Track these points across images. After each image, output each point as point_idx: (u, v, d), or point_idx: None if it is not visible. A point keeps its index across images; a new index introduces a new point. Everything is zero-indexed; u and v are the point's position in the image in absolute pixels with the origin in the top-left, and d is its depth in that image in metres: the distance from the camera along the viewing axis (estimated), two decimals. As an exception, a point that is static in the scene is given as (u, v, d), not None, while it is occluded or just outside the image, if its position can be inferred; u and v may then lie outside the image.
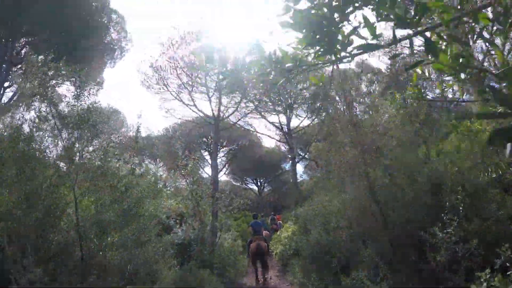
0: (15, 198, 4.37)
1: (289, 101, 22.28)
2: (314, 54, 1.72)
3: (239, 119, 20.53)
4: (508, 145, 1.37)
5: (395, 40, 1.75)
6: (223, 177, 31.95)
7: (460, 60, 1.78)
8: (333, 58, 1.75)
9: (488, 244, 3.79)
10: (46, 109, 4.82)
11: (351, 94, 5.87)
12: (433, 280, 3.97)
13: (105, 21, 16.37)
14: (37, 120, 4.94)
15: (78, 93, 4.86)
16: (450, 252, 3.80)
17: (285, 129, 23.26)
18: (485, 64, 10.11)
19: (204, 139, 25.33)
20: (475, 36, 1.95)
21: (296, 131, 23.63)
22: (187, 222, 10.54)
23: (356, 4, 1.68)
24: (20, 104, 5.48)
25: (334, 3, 1.63)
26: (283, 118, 23.38)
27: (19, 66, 15.57)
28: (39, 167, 4.57)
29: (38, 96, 4.82)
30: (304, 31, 1.65)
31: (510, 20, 1.72)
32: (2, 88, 15.05)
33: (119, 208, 4.50)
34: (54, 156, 5.00)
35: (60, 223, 4.45)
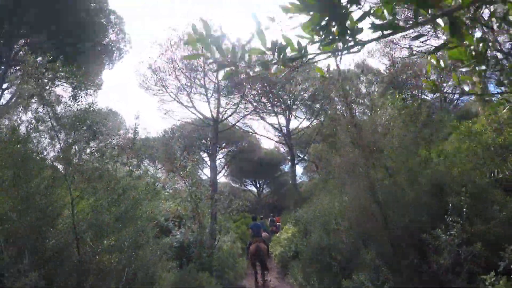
0: (12, 200, 4.31)
1: (288, 102, 22.25)
2: (320, 42, 1.60)
3: (238, 121, 20.54)
4: None
5: (416, 21, 1.62)
6: (222, 178, 31.93)
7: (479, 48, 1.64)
8: (341, 46, 1.62)
9: (491, 246, 3.74)
10: (43, 110, 4.75)
11: (352, 94, 5.82)
12: (435, 282, 3.91)
13: (104, 22, 16.32)
14: (33, 121, 4.88)
15: (75, 94, 4.80)
16: (453, 254, 3.74)
17: (284, 130, 23.22)
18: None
19: (203, 140, 25.28)
20: (498, 20, 1.78)
21: (295, 133, 23.59)
22: (186, 224, 10.47)
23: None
24: (18, 105, 5.43)
25: None
26: (282, 120, 23.36)
27: (17, 67, 15.50)
28: (35, 169, 4.51)
29: (35, 97, 4.76)
30: (311, 13, 1.49)
31: None
32: (1, 90, 14.98)
33: (116, 210, 4.43)
34: (51, 157, 4.94)
35: (57, 226, 4.39)
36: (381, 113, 5.86)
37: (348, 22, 1.55)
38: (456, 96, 20.21)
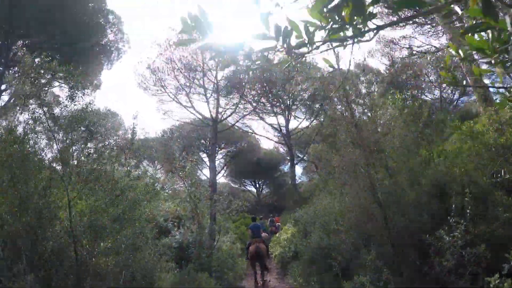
0: (9, 201, 4.25)
1: (288, 102, 22.22)
2: (328, 29, 1.46)
3: (237, 121, 20.52)
4: None
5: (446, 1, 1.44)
6: (221, 179, 31.89)
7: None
8: (352, 33, 1.46)
9: (494, 247, 3.69)
10: (39, 110, 4.70)
11: (352, 94, 5.78)
12: (438, 284, 3.86)
13: (102, 22, 16.25)
14: (30, 122, 4.82)
15: (72, 94, 4.74)
16: (456, 255, 3.69)
17: (284, 130, 23.20)
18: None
19: (202, 141, 25.23)
20: None
21: (294, 133, 23.56)
22: (185, 225, 10.43)
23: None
24: (16, 106, 5.37)
25: None
26: (281, 120, 23.34)
27: (16, 68, 15.42)
28: (33, 170, 4.46)
29: (31, 97, 4.70)
30: None
31: None
32: (-1, 91, 14.92)
33: (114, 211, 4.38)
34: (49, 158, 4.89)
35: (55, 227, 4.33)
36: (382, 113, 5.82)
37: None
38: (456, 96, 20.21)
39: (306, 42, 1.51)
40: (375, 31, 1.53)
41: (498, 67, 1.66)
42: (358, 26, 1.47)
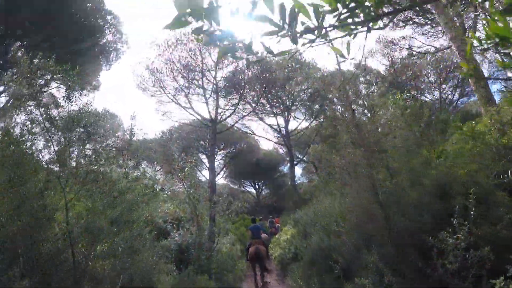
0: (6, 203, 4.19)
1: (287, 103, 22.20)
2: (339, 13, 1.32)
3: (237, 121, 20.49)
4: None
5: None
6: (220, 180, 31.89)
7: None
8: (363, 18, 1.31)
9: (498, 249, 3.64)
10: (35, 111, 4.63)
11: (354, 93, 5.73)
12: (441, 286, 3.81)
13: (100, 23, 16.19)
14: (27, 123, 4.75)
15: (69, 94, 4.68)
16: (459, 257, 3.64)
17: (283, 131, 23.17)
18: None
19: (202, 142, 25.19)
20: None
21: (294, 133, 23.54)
22: (185, 227, 10.36)
23: None
24: (14, 107, 5.31)
25: None
26: (281, 120, 23.32)
27: (14, 70, 15.34)
28: (30, 171, 4.39)
29: (28, 98, 4.63)
30: None
31: None
32: (-3, 92, 14.84)
33: (112, 213, 4.31)
34: (46, 160, 4.82)
35: (52, 230, 4.27)
36: (383, 113, 5.78)
37: None
38: (455, 97, 20.21)
39: (316, 26, 1.36)
40: (391, 17, 1.41)
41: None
42: (371, 10, 1.35)
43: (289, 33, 1.38)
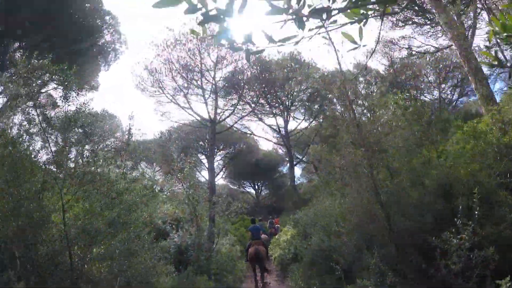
0: (2, 205, 4.13)
1: (287, 103, 22.17)
2: None
3: (236, 122, 20.46)
4: None
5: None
6: (220, 180, 31.81)
7: None
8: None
9: (501, 249, 3.60)
10: (33, 111, 4.57)
11: (354, 93, 5.68)
12: (444, 287, 3.76)
13: (99, 23, 16.13)
14: (24, 123, 4.69)
15: (66, 94, 4.62)
16: (463, 258, 3.59)
17: (283, 131, 23.13)
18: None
19: (201, 142, 25.13)
20: None
21: (293, 134, 23.50)
22: (184, 227, 10.31)
23: None
24: (11, 108, 5.25)
25: None
26: (280, 121, 23.29)
27: (13, 70, 15.25)
28: (26, 172, 4.33)
29: (24, 98, 4.57)
30: None
31: None
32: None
33: (109, 215, 4.25)
34: (43, 160, 4.76)
35: (49, 231, 4.20)
36: (384, 112, 5.73)
37: None
38: (455, 96, 20.20)
39: (325, 7, 1.24)
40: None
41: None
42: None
43: (295, 16, 1.27)
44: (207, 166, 22.80)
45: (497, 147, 5.24)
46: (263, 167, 30.95)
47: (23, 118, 4.78)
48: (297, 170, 32.01)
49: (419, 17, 14.86)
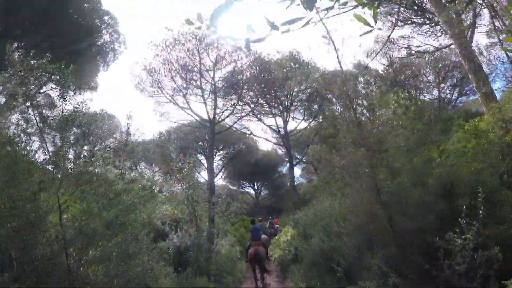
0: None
1: (286, 103, 22.13)
2: None
3: (235, 122, 20.41)
4: None
5: None
6: (219, 181, 31.74)
7: None
8: None
9: (505, 249, 3.55)
10: (29, 110, 4.51)
11: (353, 91, 5.63)
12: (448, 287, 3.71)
13: (97, 23, 16.07)
14: (21, 123, 4.64)
15: (64, 93, 4.56)
16: (467, 258, 3.54)
17: (282, 131, 23.09)
18: None
19: (200, 143, 25.07)
20: None
21: (293, 134, 23.46)
22: (183, 228, 10.25)
23: None
24: (8, 107, 5.19)
25: None
26: (279, 121, 23.25)
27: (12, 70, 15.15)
28: (23, 172, 4.27)
29: (21, 97, 4.52)
30: None
31: None
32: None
33: (107, 216, 4.19)
34: (41, 160, 4.70)
35: (45, 233, 4.14)
36: (384, 112, 5.69)
37: None
38: (454, 96, 20.18)
39: None
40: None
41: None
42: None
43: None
44: (206, 166, 22.76)
45: (499, 145, 5.21)
46: (262, 167, 30.91)
47: (20, 117, 4.73)
48: (297, 170, 31.99)
49: (418, 17, 14.84)
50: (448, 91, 20.31)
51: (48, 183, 4.02)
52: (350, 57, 35.61)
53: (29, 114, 4.72)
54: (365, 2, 1.29)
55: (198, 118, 16.44)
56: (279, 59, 19.32)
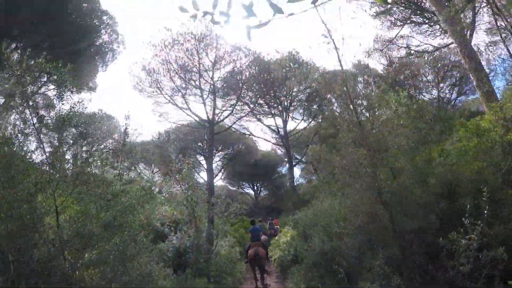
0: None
1: (285, 103, 22.09)
2: None
3: (234, 122, 20.34)
4: None
5: None
6: (219, 181, 31.65)
7: None
8: None
9: (509, 249, 3.50)
10: (26, 110, 4.45)
11: (354, 91, 5.59)
12: (452, 288, 3.67)
13: (96, 23, 15.98)
14: (17, 123, 4.57)
15: (61, 92, 4.49)
16: (471, 259, 3.49)
17: (281, 132, 23.04)
18: None
19: (200, 143, 24.98)
20: None
21: (292, 134, 23.41)
22: (182, 229, 10.20)
23: None
24: (6, 108, 5.14)
25: None
26: (279, 121, 23.19)
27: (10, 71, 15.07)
28: (20, 173, 4.21)
29: (18, 96, 4.46)
30: None
31: None
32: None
33: (105, 217, 4.13)
34: (38, 161, 4.64)
35: (42, 234, 4.08)
36: (385, 111, 5.64)
37: None
38: (454, 95, 20.16)
39: None
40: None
41: None
42: None
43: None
44: (205, 167, 22.62)
45: (500, 144, 5.17)
46: (262, 167, 30.83)
47: (17, 118, 4.67)
48: (296, 171, 31.92)
49: (418, 16, 14.80)
50: (447, 91, 20.30)
51: (45, 184, 3.97)
52: (350, 57, 35.59)
53: (26, 114, 4.66)
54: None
55: (197, 119, 16.38)
56: (278, 59, 19.28)
